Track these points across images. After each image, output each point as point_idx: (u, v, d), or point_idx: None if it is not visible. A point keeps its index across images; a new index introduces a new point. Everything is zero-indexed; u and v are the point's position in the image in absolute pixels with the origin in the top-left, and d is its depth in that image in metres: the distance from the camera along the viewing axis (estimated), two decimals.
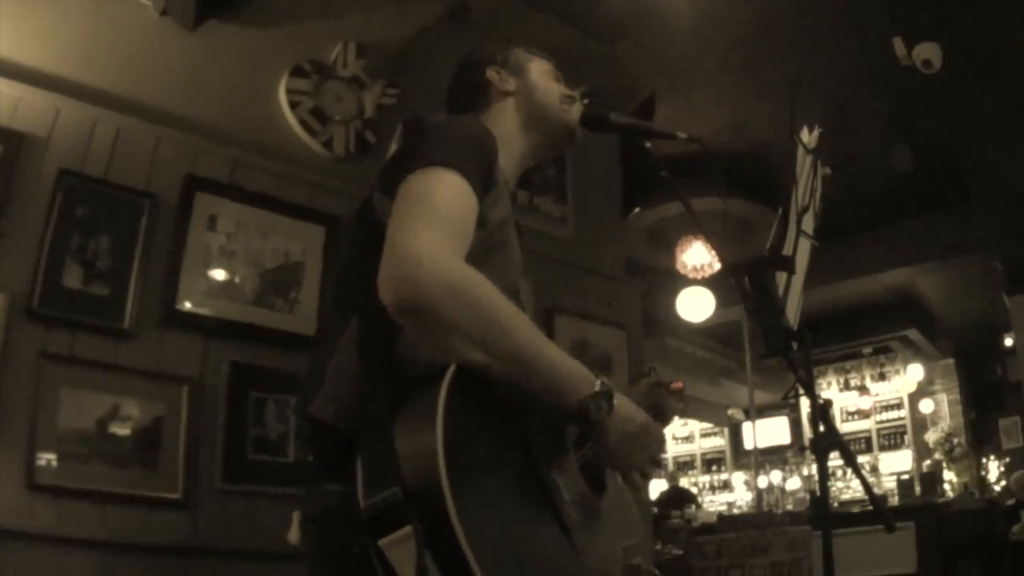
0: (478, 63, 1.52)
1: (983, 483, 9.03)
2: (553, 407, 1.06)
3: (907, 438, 9.79)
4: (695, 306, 6.43)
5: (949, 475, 9.00)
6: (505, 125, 1.44)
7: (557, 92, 1.49)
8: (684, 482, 10.69)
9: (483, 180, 1.17)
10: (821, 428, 1.83)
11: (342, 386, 1.12)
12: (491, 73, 1.49)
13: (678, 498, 8.11)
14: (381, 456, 0.93)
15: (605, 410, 1.07)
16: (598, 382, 1.08)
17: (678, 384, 1.61)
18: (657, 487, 10.05)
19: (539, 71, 1.52)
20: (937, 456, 9.29)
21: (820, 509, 2.52)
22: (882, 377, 10.12)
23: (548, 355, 1.06)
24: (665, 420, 1.50)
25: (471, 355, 1.00)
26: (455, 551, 0.84)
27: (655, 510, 7.47)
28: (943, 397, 9.85)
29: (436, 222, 1.05)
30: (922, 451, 9.56)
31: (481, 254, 1.12)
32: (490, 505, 0.94)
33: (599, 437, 1.10)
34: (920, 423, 9.80)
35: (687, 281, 6.30)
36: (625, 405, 1.12)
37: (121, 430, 2.22)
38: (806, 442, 9.30)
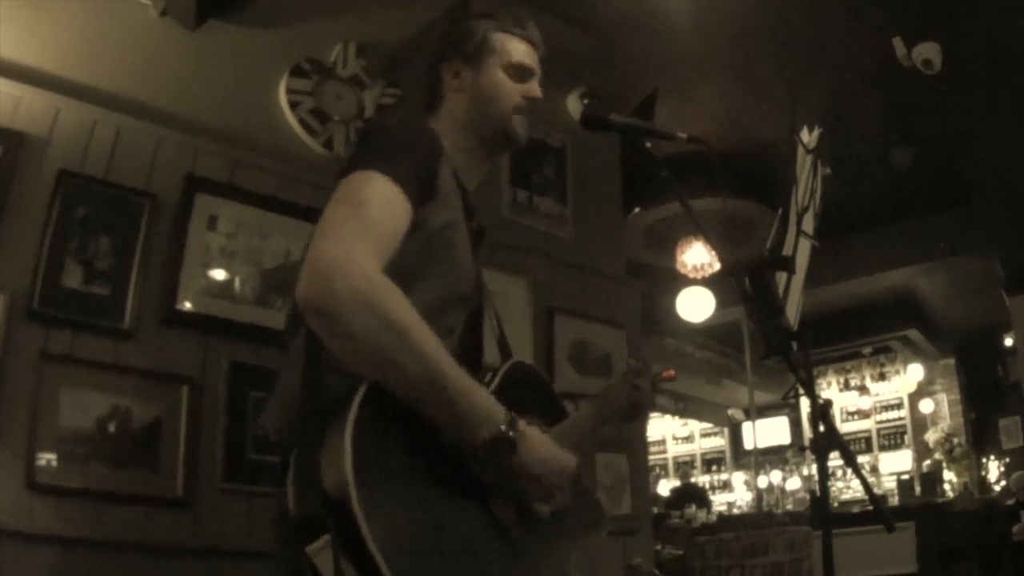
0: (440, 55, 1.46)
1: (983, 483, 9.03)
2: (455, 439, 1.04)
3: (907, 438, 9.79)
4: (695, 306, 6.43)
5: (949, 475, 9.00)
6: (453, 124, 1.40)
7: (509, 98, 1.41)
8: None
9: (422, 187, 1.16)
10: (821, 428, 1.83)
11: (286, 396, 1.13)
12: (443, 68, 1.44)
13: (689, 495, 8.12)
14: (307, 466, 0.95)
15: (506, 454, 1.04)
16: (503, 425, 1.03)
17: (669, 372, 1.64)
18: (667, 485, 10.08)
19: (502, 65, 1.42)
20: (937, 456, 9.29)
21: (820, 509, 2.52)
22: (882, 377, 10.12)
23: (453, 386, 1.01)
24: (639, 413, 1.54)
25: (373, 371, 1.00)
26: (368, 557, 0.87)
27: (662, 508, 7.49)
28: (943, 397, 9.85)
29: (359, 228, 1.06)
30: (922, 451, 9.56)
31: (420, 258, 1.14)
32: (402, 512, 0.95)
33: (500, 475, 1.08)
34: (920, 423, 9.80)
35: (687, 281, 6.29)
36: (532, 446, 1.08)
37: (121, 430, 2.22)
38: (806, 442, 9.30)
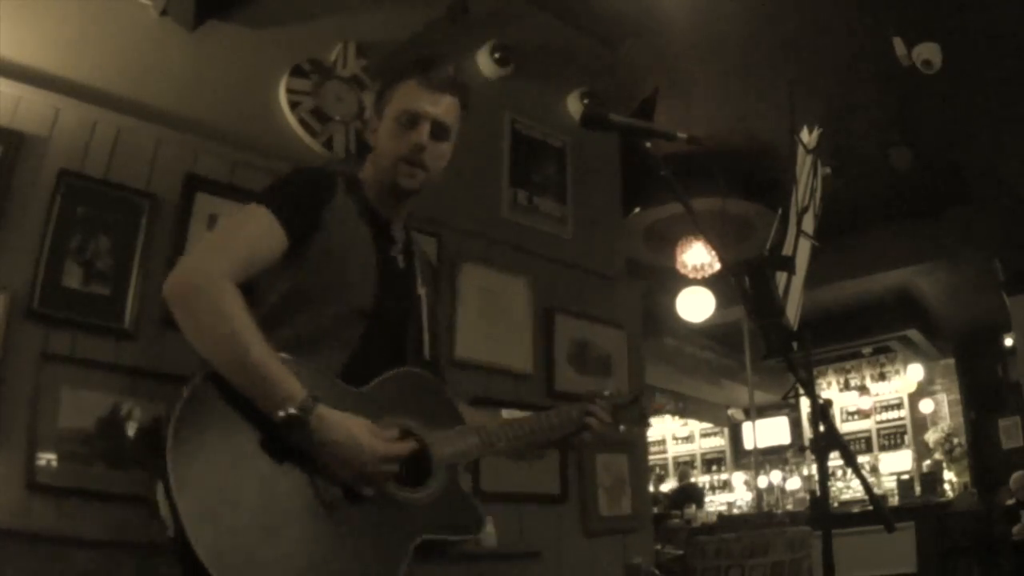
0: (373, 107, 1.60)
1: (983, 483, 9.02)
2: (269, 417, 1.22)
3: (907, 438, 9.79)
4: (695, 306, 6.43)
5: (949, 475, 8.99)
6: (374, 169, 1.56)
7: (393, 150, 1.50)
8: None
9: (304, 218, 1.39)
10: (821, 428, 1.83)
11: None
12: (368, 124, 1.60)
13: (688, 495, 8.13)
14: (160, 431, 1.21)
15: (296, 432, 1.21)
16: (293, 408, 1.20)
17: (659, 404, 1.69)
18: (667, 485, 10.08)
19: (394, 116, 1.51)
20: (937, 456, 9.29)
21: (820, 509, 2.52)
22: (882, 377, 10.12)
23: (262, 371, 1.22)
24: (576, 446, 1.62)
25: (206, 355, 1.24)
26: (175, 509, 1.11)
27: (662, 508, 7.49)
28: (943, 397, 9.85)
29: (219, 242, 1.37)
30: (922, 451, 9.56)
31: (313, 280, 1.37)
32: (212, 474, 1.16)
33: (308, 451, 1.23)
34: (920, 423, 9.80)
35: (687, 281, 6.29)
36: (329, 427, 1.23)
37: (121, 430, 2.22)
38: (806, 442, 9.30)
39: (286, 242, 1.36)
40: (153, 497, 1.15)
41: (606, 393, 1.69)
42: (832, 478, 8.30)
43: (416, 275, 1.57)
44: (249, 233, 1.36)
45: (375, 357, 1.40)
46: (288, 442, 1.22)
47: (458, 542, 1.39)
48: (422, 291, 1.56)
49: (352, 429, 1.24)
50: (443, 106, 1.53)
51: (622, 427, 1.69)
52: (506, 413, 3.23)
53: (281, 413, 1.20)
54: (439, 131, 1.52)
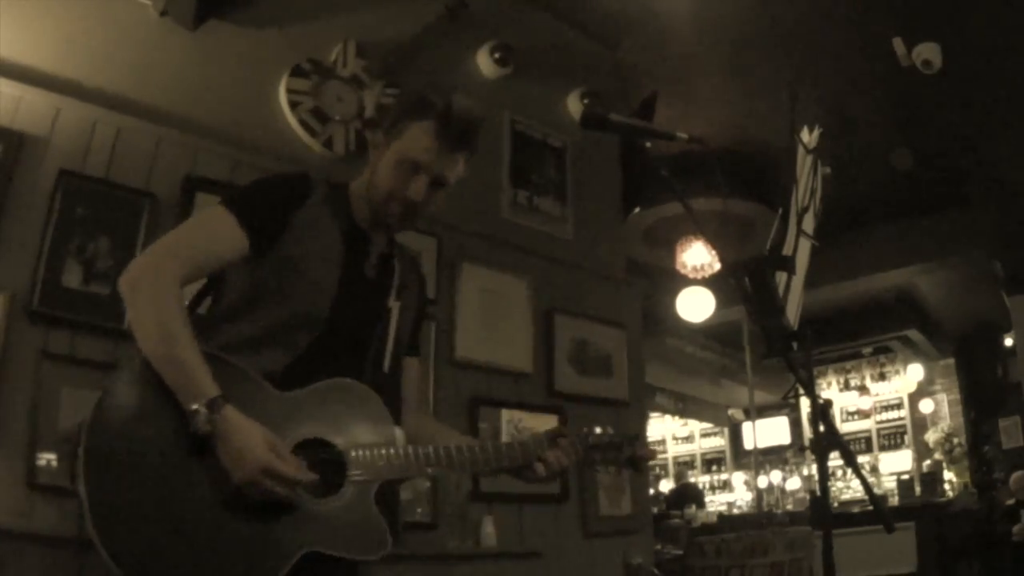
0: (380, 115, 1.63)
1: (983, 483, 9.02)
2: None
3: (907, 438, 9.79)
4: (695, 306, 6.43)
5: (949, 475, 8.99)
6: (369, 181, 1.55)
7: (387, 184, 1.49)
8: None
9: (271, 222, 1.42)
10: (821, 428, 1.83)
11: None
12: (376, 136, 1.57)
13: (686, 495, 8.12)
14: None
15: (203, 427, 1.24)
16: (198, 404, 1.24)
17: (648, 452, 1.63)
18: (665, 485, 10.08)
19: (394, 153, 1.50)
20: (937, 456, 9.29)
21: (820, 509, 2.52)
22: (882, 377, 10.12)
23: (181, 361, 1.27)
24: (526, 476, 1.53)
25: (142, 345, 1.30)
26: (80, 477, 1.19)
27: (663, 508, 7.49)
28: (943, 397, 9.85)
29: (174, 242, 1.41)
30: (922, 451, 9.55)
31: (270, 280, 1.40)
32: (121, 466, 1.22)
33: (211, 448, 1.26)
34: (920, 423, 9.80)
35: (687, 281, 6.29)
36: (229, 428, 1.25)
37: None
38: (806, 442, 9.30)
39: (247, 244, 1.40)
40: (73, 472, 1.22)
41: (597, 430, 1.59)
42: (832, 478, 8.29)
43: (390, 288, 1.55)
44: (207, 234, 1.42)
45: (323, 364, 1.39)
46: (196, 437, 1.25)
47: (352, 561, 1.34)
48: (393, 305, 1.54)
49: (250, 436, 1.25)
50: (453, 167, 1.52)
51: (598, 468, 1.64)
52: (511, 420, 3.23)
53: (194, 406, 1.24)
54: (440, 182, 1.52)
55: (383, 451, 1.39)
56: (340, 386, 1.40)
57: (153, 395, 1.27)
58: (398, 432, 1.45)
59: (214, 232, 1.41)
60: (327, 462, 1.34)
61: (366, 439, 1.39)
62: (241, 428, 1.26)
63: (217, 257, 1.41)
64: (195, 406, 1.24)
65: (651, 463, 8.90)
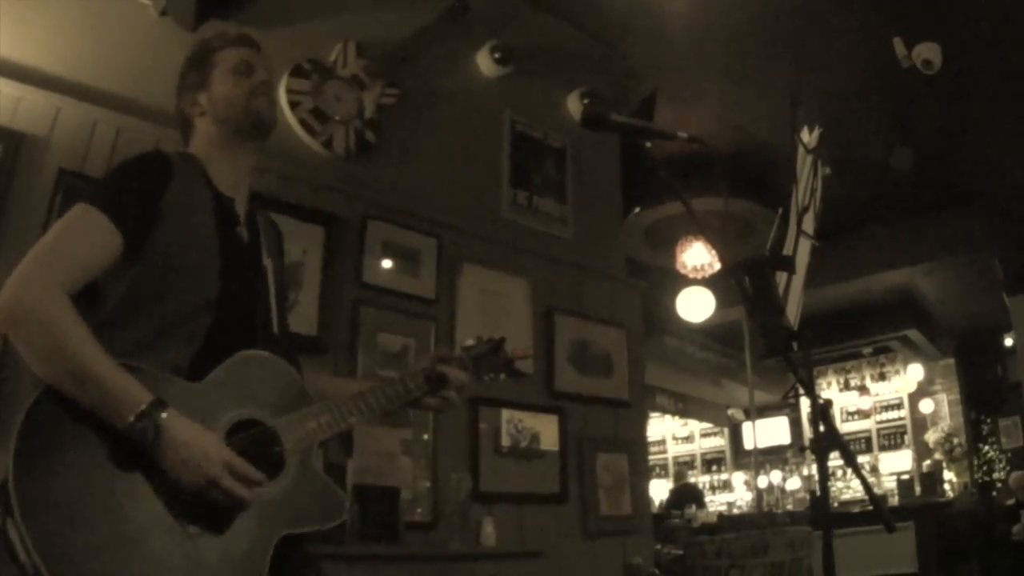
0: (178, 92, 1.59)
1: (983, 483, 9.02)
2: (113, 425, 1.18)
3: (907, 438, 9.79)
4: (695, 306, 6.43)
5: (949, 475, 8.99)
6: (208, 144, 1.53)
7: (242, 91, 1.52)
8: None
9: (142, 212, 1.34)
10: (821, 428, 1.83)
11: None
12: (184, 104, 1.57)
13: (686, 496, 8.12)
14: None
15: (149, 435, 1.17)
16: (134, 416, 1.16)
17: (518, 351, 1.69)
18: (665, 486, 10.08)
19: (225, 73, 1.54)
20: (937, 456, 9.29)
21: (820, 509, 2.52)
22: (882, 377, 10.12)
23: (98, 377, 1.18)
24: (447, 390, 1.56)
25: (43, 373, 1.19)
26: (20, 533, 1.06)
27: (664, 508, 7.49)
28: (943, 397, 9.85)
29: (45, 253, 1.27)
30: (922, 451, 9.56)
31: (155, 278, 1.32)
32: (58, 494, 1.11)
33: (156, 458, 1.18)
34: (920, 423, 9.80)
35: (687, 281, 6.29)
36: (178, 433, 1.19)
37: None
38: (806, 442, 9.30)
39: (121, 241, 1.30)
40: (6, 535, 1.08)
41: (470, 342, 1.65)
42: (832, 478, 8.30)
43: (261, 247, 1.54)
44: (79, 238, 1.30)
45: (225, 344, 1.35)
46: (133, 451, 1.17)
47: (321, 531, 1.33)
48: (267, 262, 1.53)
49: (199, 435, 1.21)
50: (259, 55, 1.61)
51: (486, 378, 1.65)
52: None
53: (130, 419, 1.16)
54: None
55: (309, 415, 1.38)
56: (246, 360, 1.36)
57: (71, 424, 1.17)
58: (310, 390, 1.45)
59: (87, 235, 1.30)
60: (261, 441, 1.31)
61: (288, 405, 1.37)
62: (188, 428, 1.20)
63: (95, 261, 1.30)
64: (131, 418, 1.16)
65: (651, 463, 8.88)
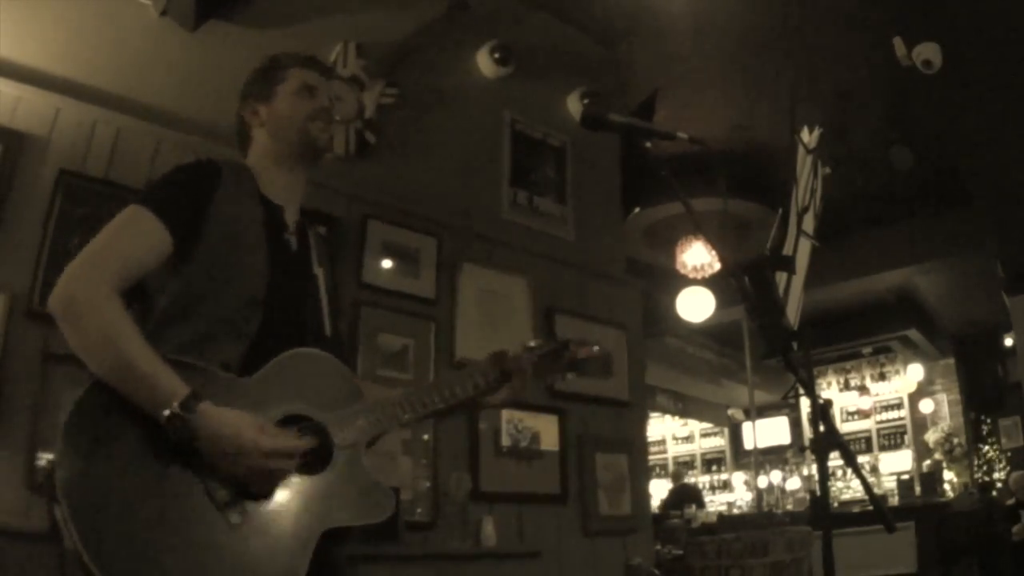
0: (241, 98, 1.65)
1: (983, 483, 9.02)
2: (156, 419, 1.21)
3: (907, 438, 9.79)
4: (695, 306, 6.43)
5: (949, 475, 8.99)
6: (263, 155, 1.59)
7: (301, 112, 1.58)
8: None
9: (192, 214, 1.38)
10: (821, 428, 1.83)
11: None
12: (245, 112, 1.63)
13: (685, 496, 8.13)
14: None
15: (179, 431, 1.19)
16: (171, 409, 1.19)
17: (584, 350, 1.67)
18: (665, 486, 10.08)
19: (288, 92, 1.59)
20: (937, 456, 9.29)
21: (820, 509, 2.52)
22: (882, 377, 10.12)
23: (141, 373, 1.21)
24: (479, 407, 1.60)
25: (92, 366, 1.24)
26: (65, 520, 1.09)
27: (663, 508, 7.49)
28: (943, 397, 9.85)
29: (98, 251, 1.32)
30: (922, 451, 9.56)
31: (201, 272, 1.36)
32: (103, 484, 1.15)
33: (195, 448, 1.21)
34: (920, 423, 9.80)
35: (687, 281, 6.29)
36: (212, 424, 1.21)
37: None
38: (806, 442, 9.30)
39: (171, 242, 1.35)
40: (55, 520, 1.12)
41: (531, 344, 1.64)
42: (832, 478, 8.30)
43: (311, 256, 1.57)
44: (130, 238, 1.35)
45: (275, 343, 1.37)
46: (175, 443, 1.20)
47: (365, 527, 1.33)
48: (318, 271, 1.56)
49: (236, 425, 1.22)
50: (327, 79, 1.69)
51: (549, 379, 1.65)
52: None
53: (166, 412, 1.18)
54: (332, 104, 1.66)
55: (358, 413, 1.39)
56: (296, 356, 1.38)
57: (117, 416, 1.21)
58: (363, 387, 1.46)
59: (138, 234, 1.34)
60: (311, 435, 1.32)
61: (339, 402, 1.38)
62: (224, 419, 1.22)
63: (145, 260, 1.34)
64: (167, 411, 1.18)
65: (651, 463, 8.89)
